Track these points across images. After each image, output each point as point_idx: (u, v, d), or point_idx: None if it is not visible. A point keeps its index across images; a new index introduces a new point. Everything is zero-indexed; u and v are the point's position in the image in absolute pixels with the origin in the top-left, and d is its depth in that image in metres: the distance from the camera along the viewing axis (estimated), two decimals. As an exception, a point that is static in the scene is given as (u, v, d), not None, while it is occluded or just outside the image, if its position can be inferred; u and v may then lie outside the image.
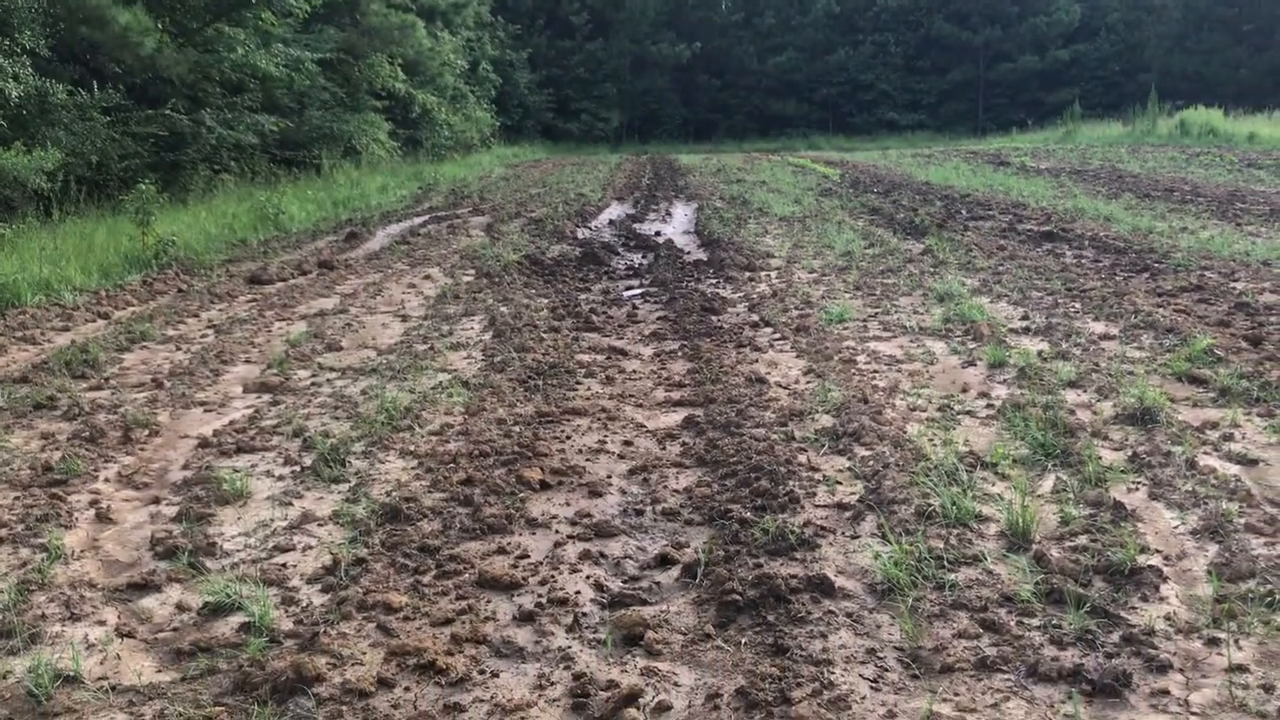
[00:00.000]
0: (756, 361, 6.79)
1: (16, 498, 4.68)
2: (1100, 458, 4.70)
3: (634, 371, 6.78)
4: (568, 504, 4.55)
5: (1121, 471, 4.56)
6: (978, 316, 7.59)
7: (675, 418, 5.73)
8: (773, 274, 10.10)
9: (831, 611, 3.46)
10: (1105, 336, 7.02)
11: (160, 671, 3.25)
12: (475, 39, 39.06)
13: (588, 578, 3.81)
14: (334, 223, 15.81)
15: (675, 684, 3.10)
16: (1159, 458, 4.67)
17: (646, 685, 3.07)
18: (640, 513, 4.43)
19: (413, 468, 4.99)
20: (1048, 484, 4.47)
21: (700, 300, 8.81)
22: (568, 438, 5.42)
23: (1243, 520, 4.01)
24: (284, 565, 3.98)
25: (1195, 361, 6.14)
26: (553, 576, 3.81)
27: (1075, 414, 5.33)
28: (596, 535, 4.19)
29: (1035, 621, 3.35)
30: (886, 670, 3.12)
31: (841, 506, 4.35)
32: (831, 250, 11.35)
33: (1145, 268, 9.55)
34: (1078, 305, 8.06)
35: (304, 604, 3.66)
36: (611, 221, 15.32)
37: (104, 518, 4.47)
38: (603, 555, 4.01)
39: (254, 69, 18.37)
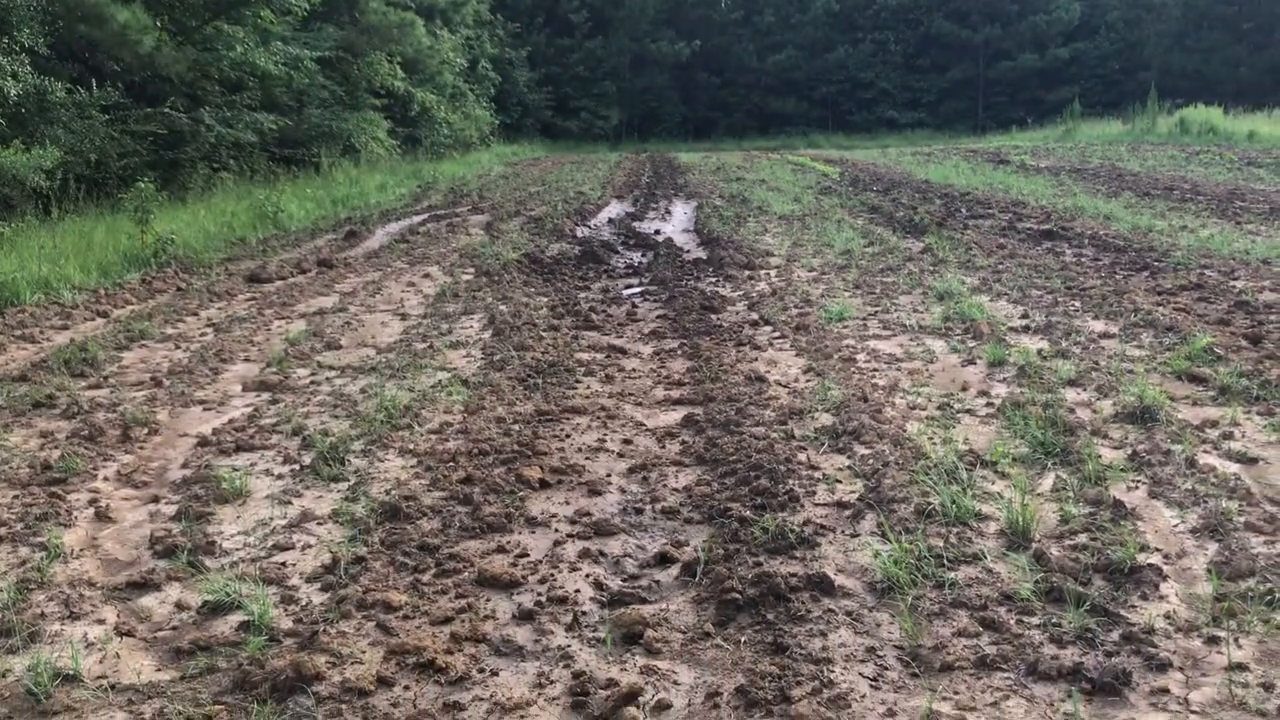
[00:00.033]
0: (756, 360, 6.79)
1: (15, 496, 4.68)
2: (1100, 456, 4.70)
3: (633, 370, 6.77)
4: (567, 502, 4.55)
5: (1121, 470, 4.56)
6: (977, 315, 7.59)
7: (675, 416, 5.73)
8: (772, 272, 10.10)
9: (831, 610, 3.46)
10: (1105, 335, 7.02)
11: (159, 670, 3.25)
12: (474, 37, 39.04)
13: (587, 576, 3.80)
14: (333, 221, 15.81)
15: (675, 682, 3.10)
16: (1159, 456, 4.67)
17: (646, 684, 3.07)
18: (640, 511, 4.43)
19: (412, 466, 4.98)
20: (1047, 482, 4.47)
21: (700, 299, 8.81)
22: (567, 436, 5.42)
23: (1242, 519, 4.01)
24: (283, 564, 3.97)
25: (1195, 360, 6.14)
26: (552, 575, 3.81)
27: (1075, 412, 5.33)
28: (596, 534, 4.19)
29: (1035, 620, 3.34)
30: (886, 669, 3.12)
31: (841, 505, 4.35)
32: (831, 249, 11.34)
33: (1145, 266, 9.55)
34: (1077, 304, 8.06)
35: (303, 603, 3.65)
36: (611, 220, 15.31)
37: (103, 516, 4.46)
38: (602, 554, 4.01)
39: (253, 67, 18.36)
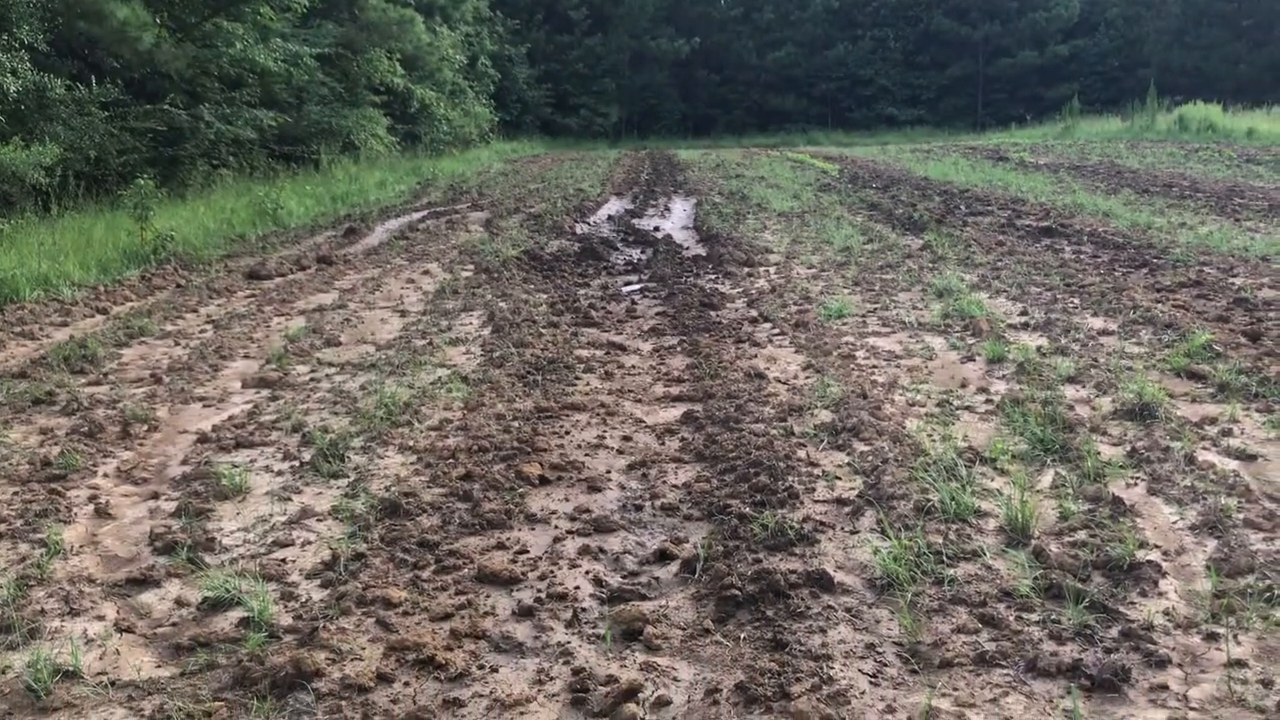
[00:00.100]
0: (755, 357, 6.79)
1: (15, 493, 4.68)
2: (1099, 453, 4.70)
3: (633, 367, 6.77)
4: (567, 499, 4.55)
5: (1120, 467, 4.57)
6: (976, 312, 7.59)
7: (674, 413, 5.73)
8: (771, 269, 10.10)
9: (830, 606, 3.46)
10: (1104, 332, 7.03)
11: (159, 666, 3.25)
12: (474, 34, 39.02)
13: (587, 573, 3.81)
14: (332, 218, 15.80)
15: (674, 679, 3.10)
16: (1158, 453, 4.67)
17: (646, 680, 3.07)
18: (639, 508, 4.43)
19: (412, 463, 4.98)
20: (1047, 479, 4.48)
21: (699, 295, 8.81)
22: (567, 433, 5.42)
23: (1241, 515, 4.01)
24: (283, 560, 3.98)
25: (1194, 357, 6.14)
26: (552, 572, 3.82)
27: (1074, 409, 5.33)
28: (596, 530, 4.19)
29: (1034, 616, 3.35)
30: (885, 665, 3.12)
31: (840, 502, 4.35)
32: (830, 246, 11.34)
33: (1144, 263, 9.55)
34: (1076, 301, 8.06)
35: (303, 599, 3.66)
36: (610, 217, 15.30)
37: (103, 513, 4.46)
38: (602, 550, 4.01)
39: (252, 64, 18.36)
